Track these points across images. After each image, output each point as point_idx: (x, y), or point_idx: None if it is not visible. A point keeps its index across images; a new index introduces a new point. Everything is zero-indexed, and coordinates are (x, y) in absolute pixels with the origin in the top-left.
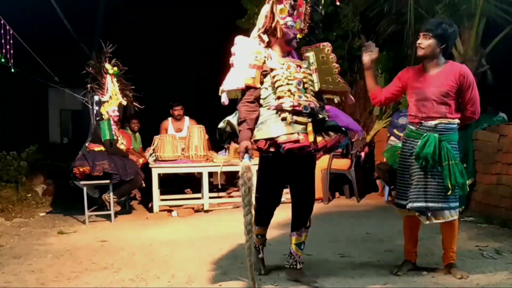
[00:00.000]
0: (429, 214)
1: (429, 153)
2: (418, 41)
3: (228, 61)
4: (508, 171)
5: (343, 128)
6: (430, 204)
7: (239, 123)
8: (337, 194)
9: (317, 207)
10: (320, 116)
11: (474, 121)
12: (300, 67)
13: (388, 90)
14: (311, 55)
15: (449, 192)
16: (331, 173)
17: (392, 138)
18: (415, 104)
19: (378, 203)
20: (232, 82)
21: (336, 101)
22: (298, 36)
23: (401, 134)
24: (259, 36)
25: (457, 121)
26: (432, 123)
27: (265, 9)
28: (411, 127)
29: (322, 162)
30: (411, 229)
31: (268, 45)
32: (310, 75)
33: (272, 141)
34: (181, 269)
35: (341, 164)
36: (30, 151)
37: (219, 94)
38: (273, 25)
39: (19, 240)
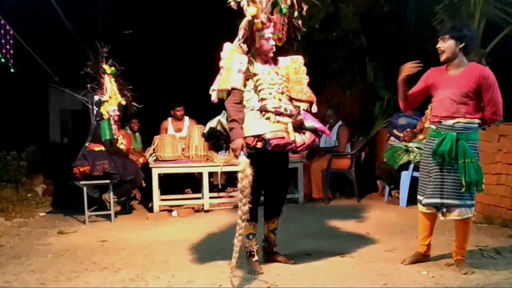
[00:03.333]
0: (444, 210)
1: (445, 150)
2: (438, 45)
3: None
4: (508, 171)
5: (318, 130)
6: (446, 201)
7: (229, 122)
8: (337, 194)
9: (317, 207)
10: (299, 118)
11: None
12: (278, 73)
13: (412, 90)
14: (285, 65)
15: (463, 189)
16: (331, 173)
17: (392, 138)
18: (436, 104)
19: (378, 203)
20: (220, 83)
21: (303, 108)
22: (278, 44)
23: (401, 135)
24: (239, 46)
25: (477, 121)
26: (450, 122)
27: (244, 22)
28: (432, 126)
29: (322, 162)
30: (425, 222)
31: (247, 53)
32: (286, 81)
33: (259, 138)
34: (181, 269)
35: (341, 164)
36: (30, 151)
37: (209, 92)
38: (250, 36)
39: (19, 240)
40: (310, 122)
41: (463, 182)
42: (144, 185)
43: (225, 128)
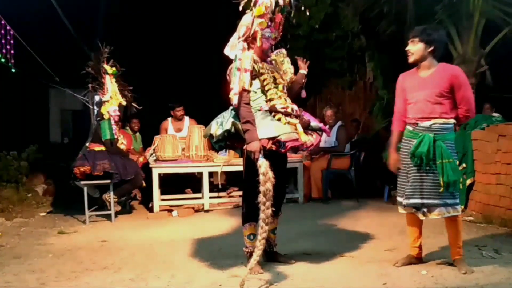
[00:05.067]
0: (424, 210)
1: (423, 152)
2: (407, 48)
3: (226, 61)
4: (507, 171)
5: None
6: (426, 201)
7: (243, 124)
8: (337, 194)
9: (317, 207)
10: (305, 118)
11: (471, 119)
12: (277, 72)
13: (400, 109)
14: (274, 61)
15: (441, 189)
16: (331, 173)
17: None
18: (411, 107)
19: (378, 203)
20: (240, 85)
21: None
22: (272, 43)
23: None
24: (239, 43)
25: (452, 120)
26: (427, 123)
27: (246, 20)
28: (408, 127)
29: (322, 162)
30: (411, 225)
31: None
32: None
33: (274, 140)
34: (181, 269)
35: (341, 164)
36: (31, 151)
37: (230, 96)
38: (251, 34)
39: (20, 240)
40: (313, 121)
41: (441, 183)
42: (144, 185)
43: (237, 129)
